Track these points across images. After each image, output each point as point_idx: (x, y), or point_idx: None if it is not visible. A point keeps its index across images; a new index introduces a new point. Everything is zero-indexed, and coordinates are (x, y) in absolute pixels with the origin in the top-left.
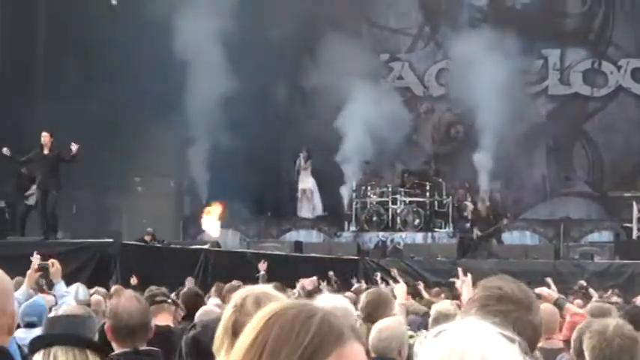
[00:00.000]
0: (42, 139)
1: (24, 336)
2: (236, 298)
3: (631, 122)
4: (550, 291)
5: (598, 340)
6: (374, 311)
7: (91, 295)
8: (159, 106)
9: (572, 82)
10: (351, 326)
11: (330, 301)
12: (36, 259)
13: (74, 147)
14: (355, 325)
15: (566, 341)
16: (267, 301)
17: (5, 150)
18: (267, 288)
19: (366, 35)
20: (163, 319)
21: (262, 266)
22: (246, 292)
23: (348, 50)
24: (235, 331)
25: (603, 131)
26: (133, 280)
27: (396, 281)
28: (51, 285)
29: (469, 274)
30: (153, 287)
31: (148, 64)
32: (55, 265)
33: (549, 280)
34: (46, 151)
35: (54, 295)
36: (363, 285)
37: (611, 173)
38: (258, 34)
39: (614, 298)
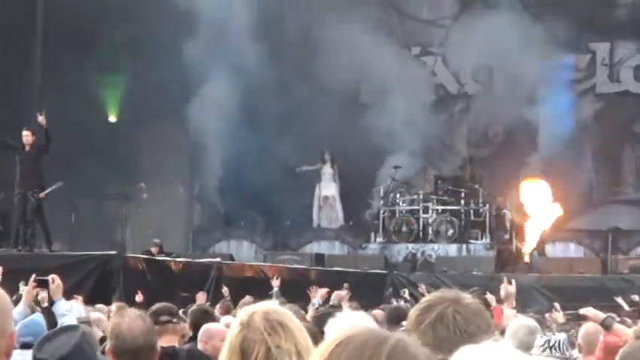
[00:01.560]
0: (23, 138)
1: (19, 358)
2: (242, 315)
3: None
4: (596, 311)
5: None
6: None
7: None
8: (165, 102)
9: (623, 79)
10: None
11: (350, 320)
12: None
13: (40, 117)
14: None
15: None
16: (276, 316)
17: None
18: (274, 304)
19: (395, 26)
20: (169, 339)
21: (275, 282)
22: (251, 308)
23: (374, 42)
24: (244, 350)
25: None
26: (138, 297)
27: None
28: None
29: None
30: (159, 304)
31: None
32: (55, 281)
33: (620, 300)
34: (27, 149)
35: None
36: (402, 303)
37: None
38: (275, 23)
39: None
